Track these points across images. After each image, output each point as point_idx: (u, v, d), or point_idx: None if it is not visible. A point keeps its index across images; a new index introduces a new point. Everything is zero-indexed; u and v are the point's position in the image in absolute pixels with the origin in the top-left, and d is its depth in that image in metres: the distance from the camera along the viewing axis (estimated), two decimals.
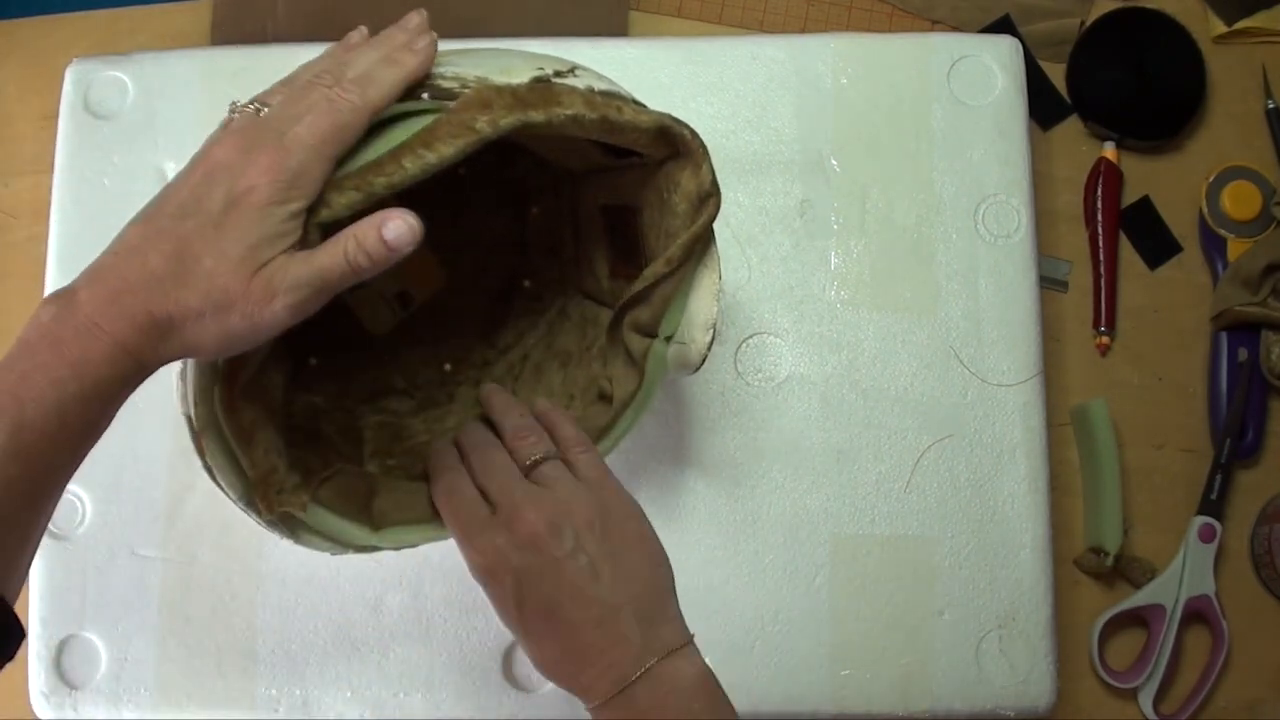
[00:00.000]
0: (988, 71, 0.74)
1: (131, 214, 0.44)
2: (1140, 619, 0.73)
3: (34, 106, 0.77)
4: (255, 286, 0.43)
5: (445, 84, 0.48)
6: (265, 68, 0.73)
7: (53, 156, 0.73)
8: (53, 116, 0.73)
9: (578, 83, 0.49)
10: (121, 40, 0.78)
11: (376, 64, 0.47)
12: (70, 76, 0.73)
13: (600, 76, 0.51)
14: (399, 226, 0.45)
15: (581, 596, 0.47)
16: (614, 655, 0.46)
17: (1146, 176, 0.78)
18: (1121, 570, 0.72)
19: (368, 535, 0.52)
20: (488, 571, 0.48)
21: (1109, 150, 0.77)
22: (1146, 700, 0.71)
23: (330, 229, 0.45)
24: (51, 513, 0.43)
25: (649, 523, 0.51)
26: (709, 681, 0.48)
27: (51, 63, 0.75)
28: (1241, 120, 0.78)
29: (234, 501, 0.49)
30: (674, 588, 0.50)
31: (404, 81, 0.47)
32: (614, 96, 0.50)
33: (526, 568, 0.47)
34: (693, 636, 0.48)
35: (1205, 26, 0.79)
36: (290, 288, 0.43)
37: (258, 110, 0.46)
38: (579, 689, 0.47)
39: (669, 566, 0.50)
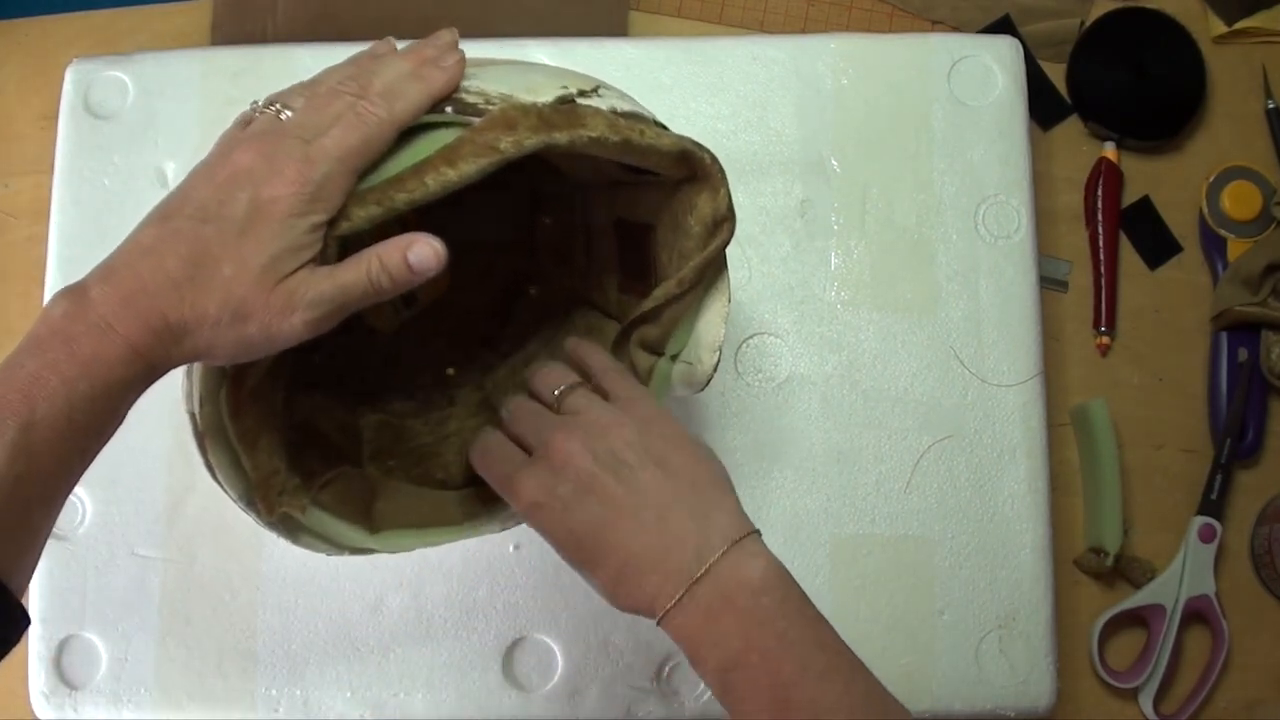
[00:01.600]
0: (988, 71, 0.74)
1: (132, 214, 0.44)
2: (1140, 619, 0.73)
3: (34, 106, 0.77)
4: (275, 299, 0.42)
5: (469, 99, 0.48)
6: (265, 68, 0.74)
7: (53, 156, 0.73)
8: (53, 116, 0.73)
9: (601, 103, 0.49)
10: (121, 40, 0.78)
11: (404, 78, 0.47)
12: (70, 76, 0.73)
13: (624, 96, 0.51)
14: (424, 251, 0.44)
15: (629, 505, 0.45)
16: (673, 558, 0.44)
17: (1146, 176, 0.78)
18: (1121, 570, 0.72)
19: (365, 538, 0.52)
20: (534, 507, 0.47)
21: (1109, 150, 0.77)
22: (1146, 700, 0.71)
23: (349, 242, 0.45)
24: (58, 512, 0.43)
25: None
26: (779, 573, 0.45)
27: (51, 63, 0.75)
28: (1241, 120, 0.78)
29: (234, 501, 0.49)
30: (730, 483, 0.48)
31: (431, 98, 0.47)
32: (636, 119, 0.49)
33: (569, 493, 0.46)
34: (757, 530, 0.46)
35: (1205, 26, 0.79)
36: (311, 303, 0.43)
37: (278, 113, 0.45)
38: (645, 603, 0.45)
39: (720, 463, 0.48)
